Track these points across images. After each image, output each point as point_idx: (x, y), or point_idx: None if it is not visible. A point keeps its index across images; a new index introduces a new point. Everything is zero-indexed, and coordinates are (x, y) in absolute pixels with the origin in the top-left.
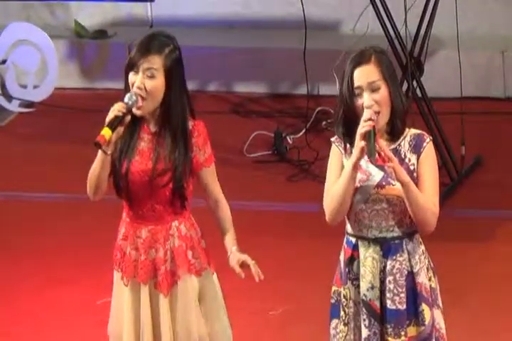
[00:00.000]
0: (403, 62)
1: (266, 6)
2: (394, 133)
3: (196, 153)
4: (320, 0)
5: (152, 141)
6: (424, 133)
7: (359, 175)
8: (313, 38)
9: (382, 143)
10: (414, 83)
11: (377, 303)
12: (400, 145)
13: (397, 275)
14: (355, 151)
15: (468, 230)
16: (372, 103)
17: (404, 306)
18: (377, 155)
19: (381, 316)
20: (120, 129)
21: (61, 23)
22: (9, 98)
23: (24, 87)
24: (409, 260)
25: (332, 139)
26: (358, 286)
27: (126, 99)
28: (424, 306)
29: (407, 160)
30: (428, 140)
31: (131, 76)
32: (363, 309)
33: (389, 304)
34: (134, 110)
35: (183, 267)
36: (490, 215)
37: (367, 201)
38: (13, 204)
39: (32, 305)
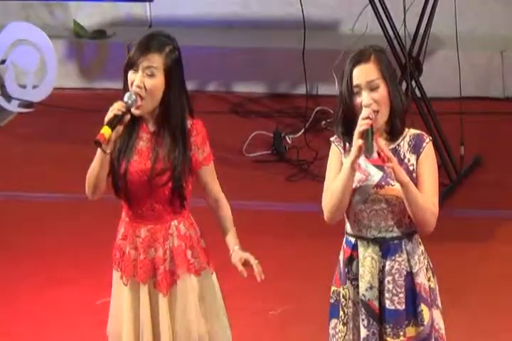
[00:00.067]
0: (402, 62)
1: (265, 6)
2: (393, 132)
3: (195, 151)
4: (319, 0)
5: (151, 141)
6: (423, 133)
7: (358, 175)
8: (312, 38)
9: (382, 143)
10: (413, 83)
11: (376, 303)
12: (399, 145)
13: (396, 276)
14: (353, 149)
15: (468, 230)
16: (371, 102)
17: (403, 306)
18: (376, 155)
19: (380, 316)
20: (119, 128)
21: (60, 23)
22: (8, 98)
23: (23, 87)
24: (409, 260)
25: (331, 139)
26: (357, 286)
27: (125, 98)
28: (423, 306)
29: (406, 160)
30: (428, 140)
31: (131, 75)
32: (362, 309)
33: (388, 304)
34: (133, 110)
35: (182, 266)
36: (489, 215)
37: (366, 201)
38: (12, 204)
39: (32, 305)
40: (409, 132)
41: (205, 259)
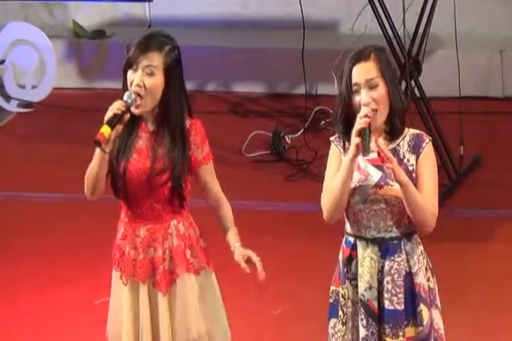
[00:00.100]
0: (401, 62)
1: (264, 6)
2: (393, 132)
3: (194, 151)
4: (318, 0)
5: (150, 140)
6: (423, 133)
7: (358, 175)
8: (312, 38)
9: (382, 143)
10: (413, 83)
11: (375, 303)
12: (398, 145)
13: (395, 276)
14: (351, 147)
15: (467, 230)
16: (370, 100)
17: (403, 306)
18: (376, 154)
19: (379, 316)
20: (119, 127)
21: (59, 23)
22: (8, 98)
23: (22, 87)
24: (408, 260)
25: (331, 138)
26: (356, 286)
27: (125, 97)
28: (422, 306)
29: (405, 160)
30: (427, 140)
31: (130, 74)
32: (361, 309)
33: (387, 304)
34: (133, 109)
35: (181, 266)
36: (489, 215)
37: (365, 201)
38: (12, 204)
39: (32, 305)
40: (409, 132)
41: (205, 259)
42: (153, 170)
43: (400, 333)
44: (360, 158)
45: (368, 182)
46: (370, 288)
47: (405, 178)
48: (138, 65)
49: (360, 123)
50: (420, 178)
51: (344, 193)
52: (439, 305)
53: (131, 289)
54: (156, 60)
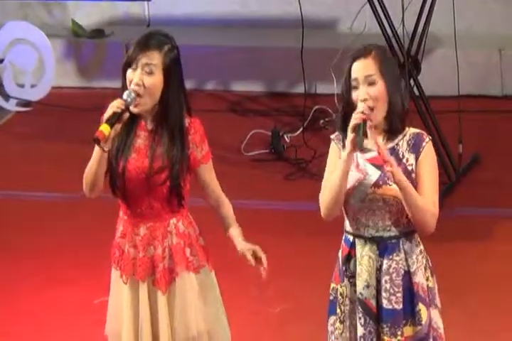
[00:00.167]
0: (400, 61)
1: (263, 5)
2: (392, 131)
3: (193, 150)
4: None
5: (149, 139)
6: (423, 132)
7: (356, 174)
8: (311, 37)
9: (381, 143)
10: (412, 81)
11: (373, 302)
12: (397, 144)
13: (394, 275)
14: (347, 143)
15: (467, 229)
16: (367, 97)
17: (401, 306)
18: (376, 153)
19: (377, 315)
20: (118, 126)
21: (58, 22)
22: (7, 97)
23: (21, 86)
24: (406, 259)
25: (332, 136)
26: (355, 284)
27: (124, 96)
28: (420, 306)
29: (404, 160)
30: (427, 140)
31: (129, 73)
32: (359, 307)
33: (385, 303)
34: (132, 108)
35: (181, 264)
36: (488, 213)
37: (364, 200)
38: (11, 203)
39: (32, 305)
40: (410, 131)
41: (204, 257)
42: (151, 169)
43: (399, 332)
44: (359, 157)
45: (367, 181)
46: (368, 286)
47: (405, 182)
48: (137, 64)
49: (355, 118)
50: (421, 178)
51: (341, 189)
52: (438, 304)
53: (131, 288)
54: (155, 58)
